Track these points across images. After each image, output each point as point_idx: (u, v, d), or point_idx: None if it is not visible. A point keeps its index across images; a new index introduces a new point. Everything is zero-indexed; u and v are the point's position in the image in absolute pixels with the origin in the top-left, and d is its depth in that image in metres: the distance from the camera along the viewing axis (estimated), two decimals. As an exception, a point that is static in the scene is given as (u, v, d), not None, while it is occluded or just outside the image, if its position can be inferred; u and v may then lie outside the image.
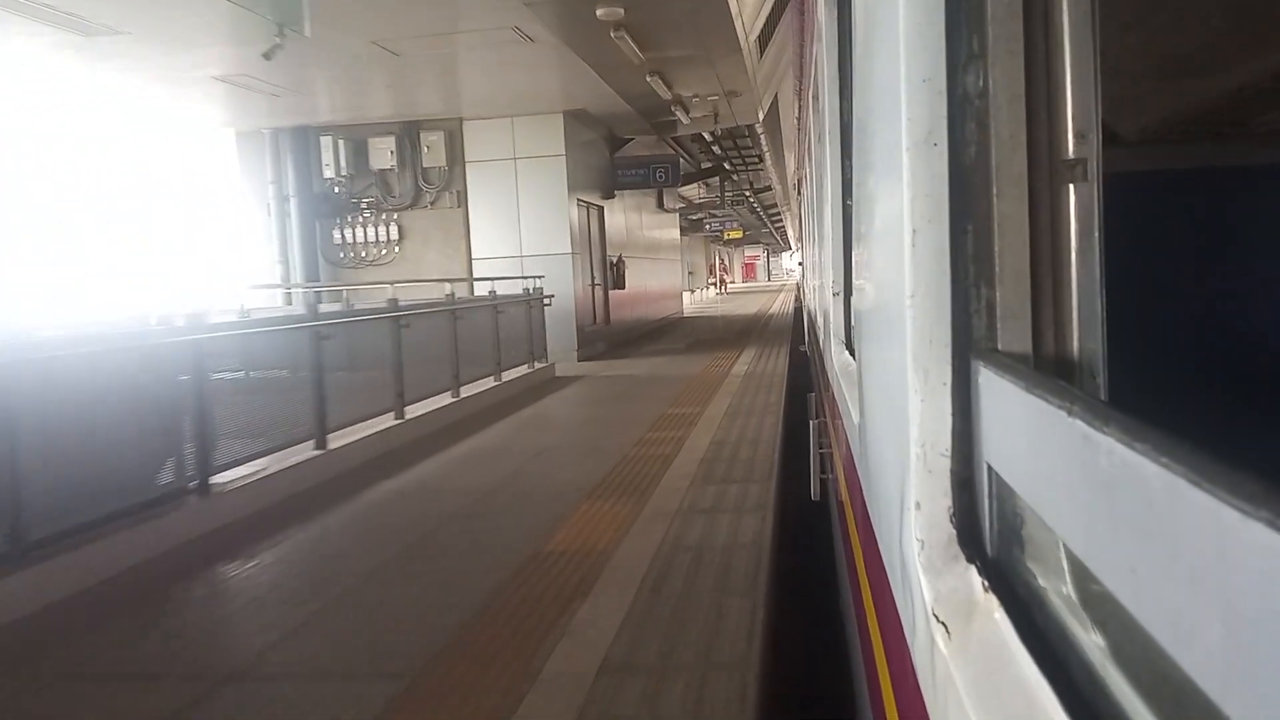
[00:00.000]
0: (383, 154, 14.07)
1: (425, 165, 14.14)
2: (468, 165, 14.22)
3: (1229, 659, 0.39)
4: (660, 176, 17.41)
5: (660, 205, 23.33)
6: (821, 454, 3.69)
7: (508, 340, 10.80)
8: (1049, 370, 0.86)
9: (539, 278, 12.45)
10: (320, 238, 14.46)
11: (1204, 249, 2.33)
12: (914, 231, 0.92)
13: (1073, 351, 0.87)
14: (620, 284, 17.34)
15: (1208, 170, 2.38)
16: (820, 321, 5.23)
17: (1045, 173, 0.86)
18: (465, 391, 9.17)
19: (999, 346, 0.87)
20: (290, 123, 14.00)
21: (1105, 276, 0.86)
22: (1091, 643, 0.66)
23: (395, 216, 14.32)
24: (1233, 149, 2.57)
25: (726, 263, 66.43)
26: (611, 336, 16.67)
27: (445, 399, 8.79)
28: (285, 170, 14.26)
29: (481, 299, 10.25)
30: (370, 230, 14.35)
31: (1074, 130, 0.86)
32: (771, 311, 27.53)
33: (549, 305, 12.38)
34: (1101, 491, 0.53)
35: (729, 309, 31.04)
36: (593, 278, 15.82)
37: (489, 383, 10.01)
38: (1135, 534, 0.49)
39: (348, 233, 14.39)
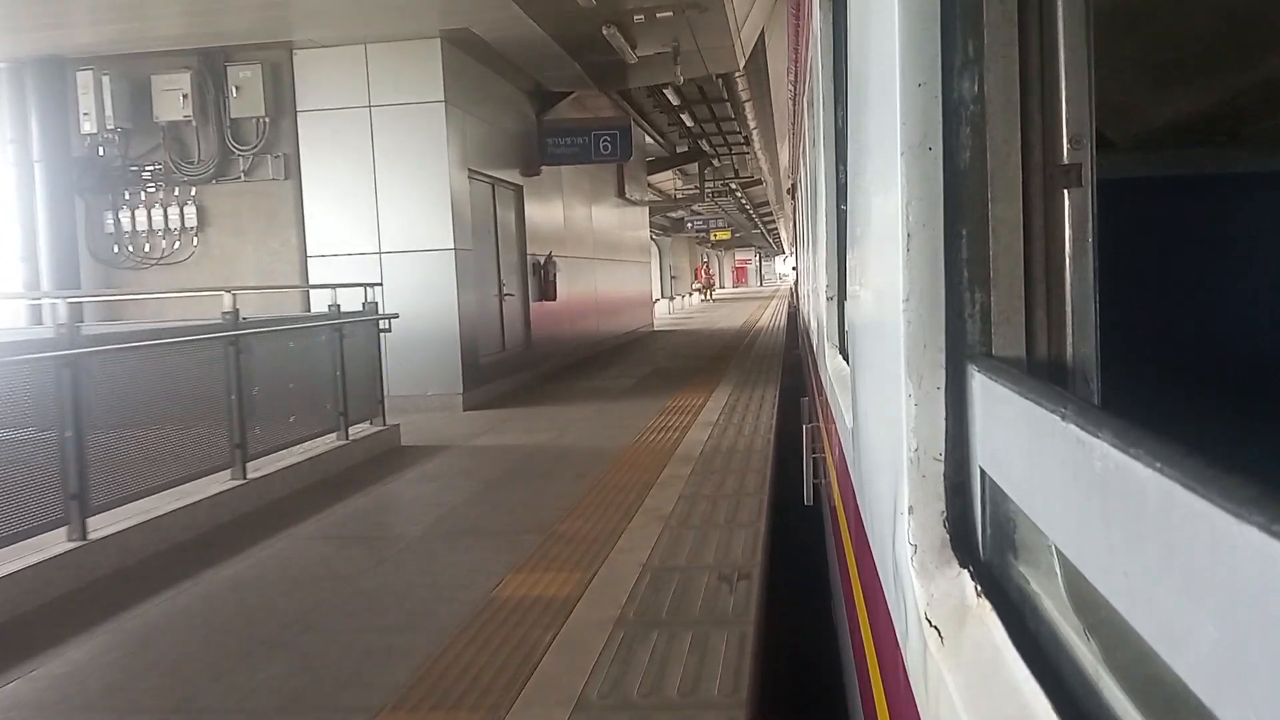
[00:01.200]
0: (172, 99, 9.38)
1: (236, 116, 9.44)
2: (300, 117, 9.52)
3: (1222, 663, 0.40)
4: (605, 147, 12.72)
5: (621, 194, 18.68)
6: (814, 459, 3.65)
7: (283, 398, 6.10)
8: (1043, 375, 0.87)
9: (373, 286, 7.73)
10: (85, 224, 9.73)
11: (1197, 254, 2.32)
12: (908, 236, 0.92)
13: (1066, 356, 0.88)
14: (549, 293, 12.67)
15: (1200, 177, 2.37)
16: (814, 326, 5.30)
17: (1040, 178, 0.88)
18: (110, 525, 4.46)
19: (993, 351, 0.88)
20: (34, 49, 9.30)
21: (1099, 281, 0.88)
22: (1084, 647, 0.66)
23: (193, 193, 9.61)
24: (1225, 156, 2.58)
25: (713, 266, 62.05)
26: (535, 365, 11.98)
27: (55, 545, 4.11)
28: (28, 123, 9.55)
29: (168, 331, 5.49)
30: (157, 214, 9.63)
31: (1068, 136, 0.87)
32: (760, 324, 22.94)
33: (388, 331, 7.67)
34: (1095, 496, 0.54)
35: (712, 319, 26.42)
36: (500, 284, 11.13)
37: (219, 485, 5.32)
38: (1128, 538, 0.49)
39: (124, 217, 9.66)
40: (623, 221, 18.99)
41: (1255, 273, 2.31)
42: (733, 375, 11.57)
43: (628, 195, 18.89)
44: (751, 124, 19.91)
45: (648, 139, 20.45)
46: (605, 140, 12.70)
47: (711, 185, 25.57)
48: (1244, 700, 0.38)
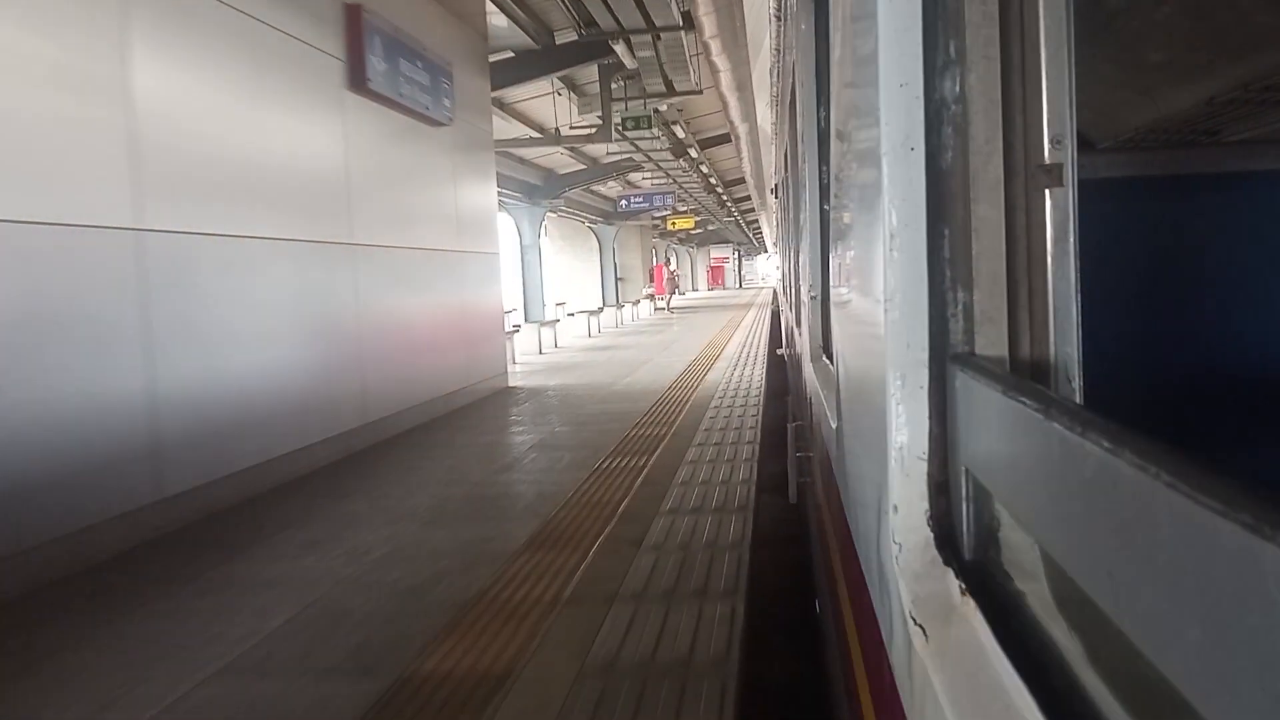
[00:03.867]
0: None
1: None
2: None
3: (1207, 661, 0.40)
4: None
5: (362, 83, 7.52)
6: (799, 458, 3.66)
7: None
8: (1025, 374, 0.88)
9: None
10: None
11: (1177, 254, 2.32)
12: (891, 236, 0.92)
13: (1049, 355, 0.89)
14: None
15: (1181, 177, 2.38)
16: (796, 325, 5.34)
17: (1021, 178, 0.88)
18: None
19: (976, 350, 0.89)
20: None
21: (1081, 281, 0.88)
22: (1068, 644, 0.66)
23: None
24: (1205, 156, 2.55)
25: (683, 265, 51.07)
26: None
27: None
28: None
29: None
30: None
31: (1050, 136, 0.87)
32: (715, 372, 11.92)
33: None
34: (1077, 494, 0.54)
35: (638, 355, 15.33)
36: None
37: None
38: (1111, 537, 0.49)
39: None
40: (382, 163, 7.82)
41: (1235, 271, 2.28)
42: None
43: (374, 88, 7.71)
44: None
45: (492, 19, 9.41)
46: None
47: (623, 111, 14.25)
48: (1228, 698, 0.38)
